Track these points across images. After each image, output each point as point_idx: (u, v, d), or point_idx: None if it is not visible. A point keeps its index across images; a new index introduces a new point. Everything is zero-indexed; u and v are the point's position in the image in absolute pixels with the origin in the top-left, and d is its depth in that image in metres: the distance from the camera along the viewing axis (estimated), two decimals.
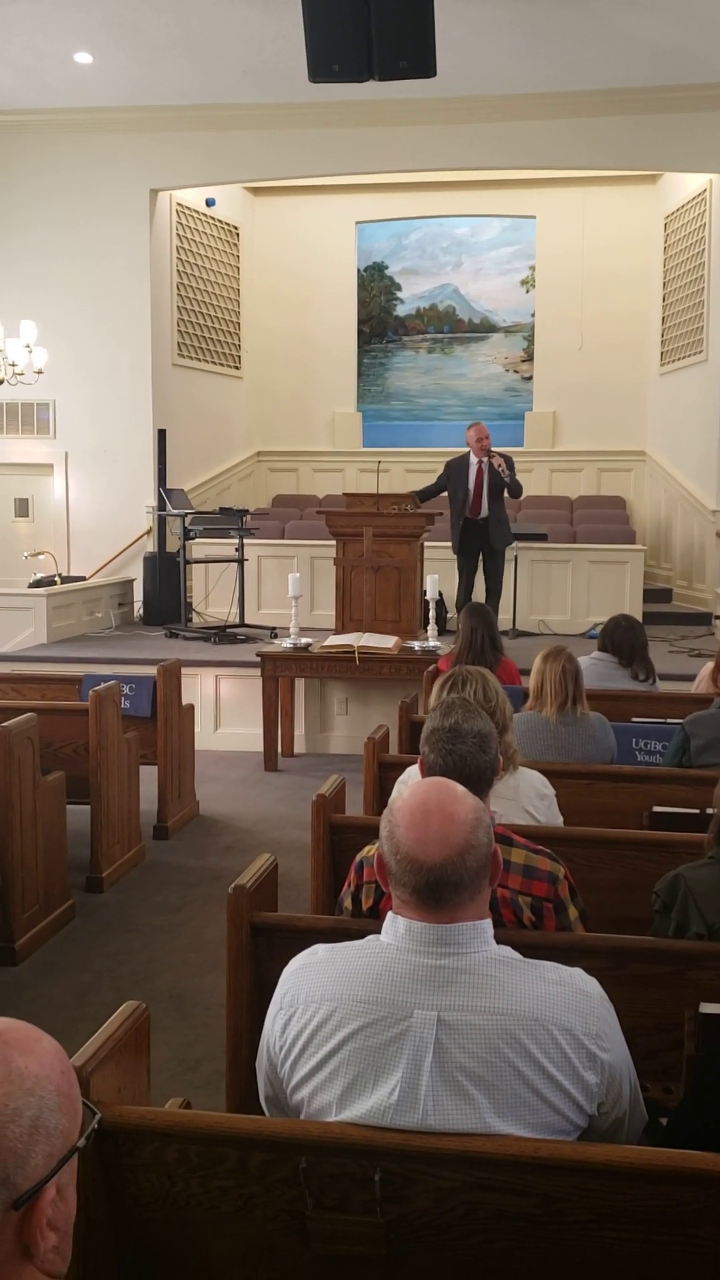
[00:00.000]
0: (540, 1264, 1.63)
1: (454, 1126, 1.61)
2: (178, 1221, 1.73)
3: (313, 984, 1.75)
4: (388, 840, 1.74)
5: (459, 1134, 1.61)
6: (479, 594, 8.63)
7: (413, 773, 3.30)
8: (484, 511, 8.61)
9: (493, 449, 8.64)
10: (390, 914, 1.75)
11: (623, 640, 5.15)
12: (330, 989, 1.72)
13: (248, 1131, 1.68)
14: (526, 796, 3.10)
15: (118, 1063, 1.77)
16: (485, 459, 8.55)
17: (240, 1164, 1.68)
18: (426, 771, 2.42)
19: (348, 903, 2.50)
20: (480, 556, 8.74)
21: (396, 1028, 1.65)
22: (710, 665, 5.29)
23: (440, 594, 7.58)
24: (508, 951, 1.73)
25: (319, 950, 1.81)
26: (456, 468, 8.71)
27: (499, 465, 8.44)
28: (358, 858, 2.51)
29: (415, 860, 1.68)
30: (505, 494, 8.63)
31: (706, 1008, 2.23)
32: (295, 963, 1.82)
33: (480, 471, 8.63)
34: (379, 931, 1.79)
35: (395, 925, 1.73)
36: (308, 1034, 1.71)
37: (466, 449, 8.70)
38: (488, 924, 1.73)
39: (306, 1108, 1.72)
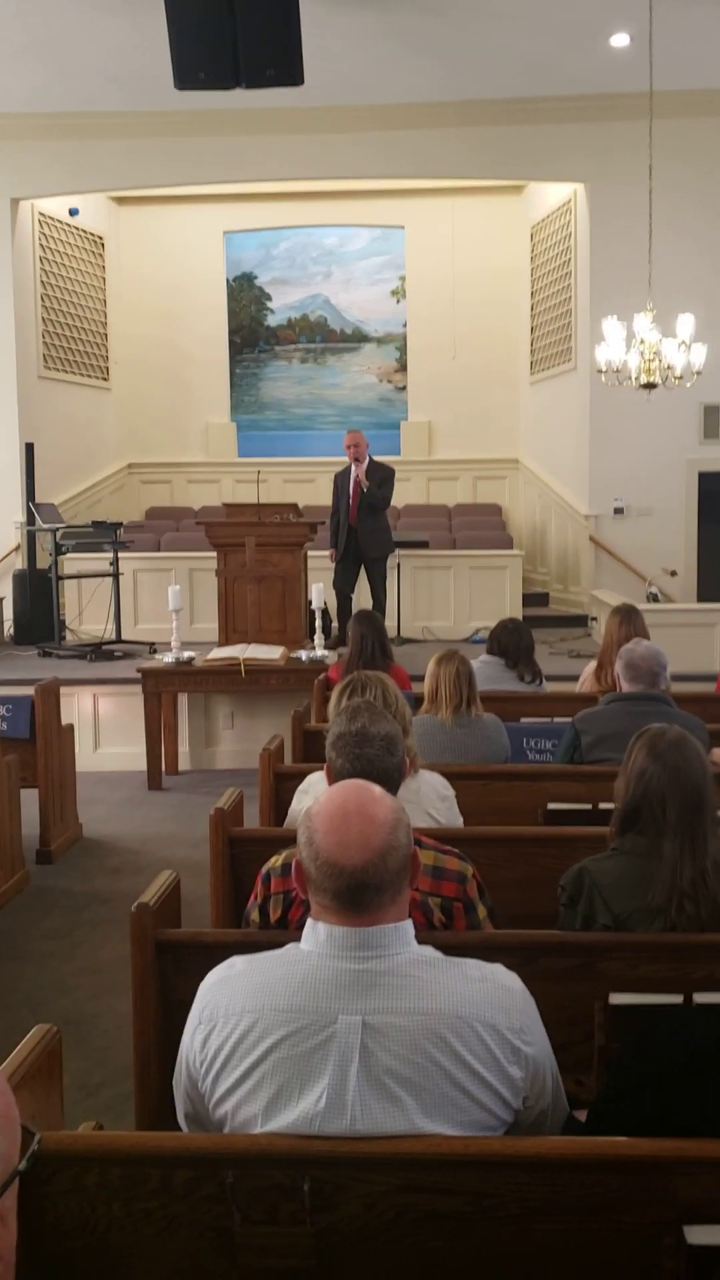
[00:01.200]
0: (473, 1262, 1.62)
1: (383, 1130, 1.59)
2: (99, 1248, 1.67)
3: (232, 996, 1.71)
4: (306, 846, 1.71)
5: (388, 1136, 1.59)
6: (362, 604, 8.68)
7: (313, 781, 3.28)
8: (355, 522, 8.70)
9: (374, 457, 8.74)
10: (310, 920, 1.73)
11: (509, 642, 5.24)
12: (251, 1000, 1.68)
13: (172, 1149, 1.63)
14: (428, 798, 3.11)
15: (30, 1090, 1.71)
16: (354, 468, 8.72)
17: (164, 1183, 1.63)
18: (334, 777, 2.40)
19: (255, 915, 2.46)
20: (360, 566, 8.82)
21: (321, 1034, 1.63)
22: (593, 664, 5.42)
23: (325, 603, 7.58)
24: (430, 951, 1.72)
25: (237, 962, 1.78)
26: (341, 477, 8.89)
27: (359, 476, 8.67)
28: (264, 869, 2.48)
29: (335, 864, 1.66)
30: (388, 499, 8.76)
31: (616, 998, 2.27)
32: (213, 976, 1.78)
33: (357, 480, 8.71)
34: (288, 942, 1.77)
35: (316, 931, 1.70)
36: (229, 1047, 1.68)
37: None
38: (408, 925, 1.72)
39: (230, 1122, 1.68)
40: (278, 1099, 1.63)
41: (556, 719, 4.79)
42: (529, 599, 10.65)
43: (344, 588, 8.89)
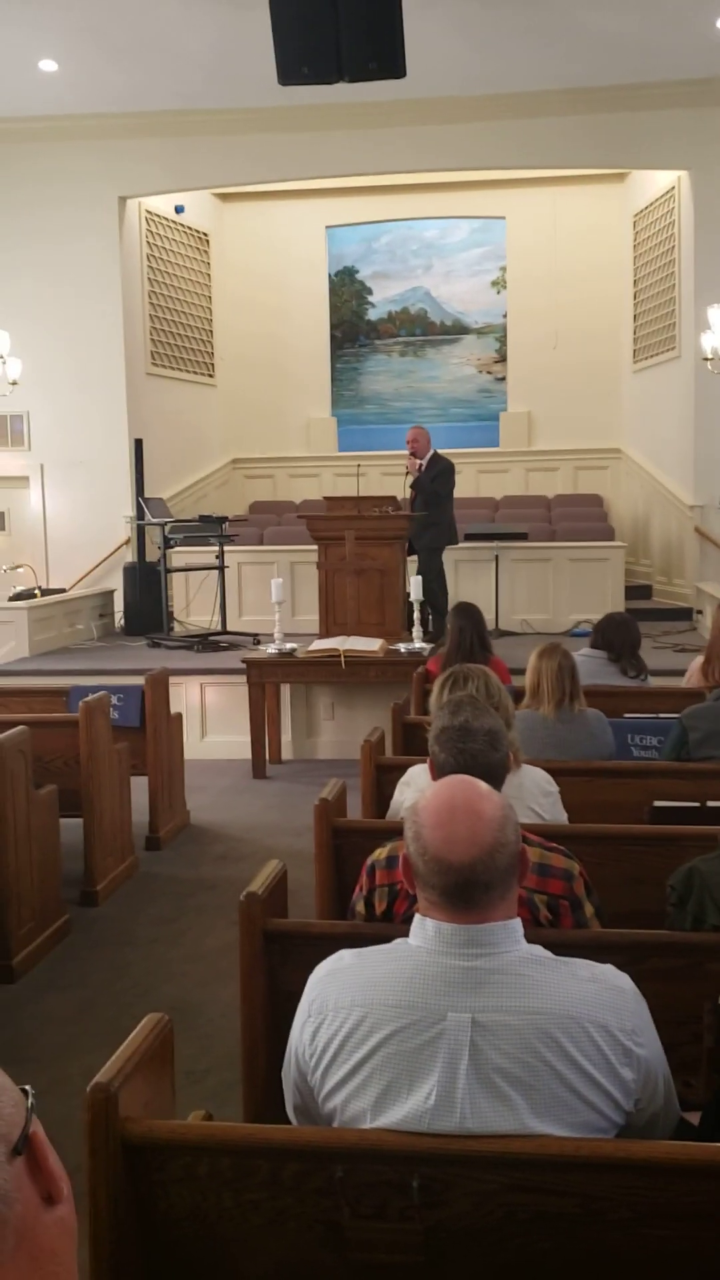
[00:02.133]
0: (581, 1265, 1.61)
1: (492, 1129, 1.59)
2: (209, 1238, 1.70)
3: (341, 990, 1.72)
4: (414, 841, 1.71)
5: (498, 1135, 1.59)
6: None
7: (414, 774, 3.28)
8: (416, 511, 8.80)
9: (437, 451, 9.00)
10: (418, 916, 1.73)
11: (616, 637, 5.17)
12: (360, 994, 1.69)
13: (281, 1142, 1.65)
14: (531, 794, 3.08)
15: (144, 1077, 1.73)
16: (409, 463, 8.94)
17: (273, 1175, 1.65)
18: (437, 771, 2.39)
19: (361, 907, 2.47)
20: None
21: (430, 1031, 1.63)
22: (700, 659, 5.31)
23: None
24: (539, 950, 1.71)
25: (345, 956, 1.78)
26: (406, 473, 9.13)
27: (411, 470, 8.89)
28: (368, 861, 2.49)
29: (443, 860, 1.66)
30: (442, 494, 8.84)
31: None
32: (322, 968, 1.79)
33: (411, 473, 8.96)
34: (393, 936, 1.77)
35: (424, 927, 1.70)
36: (339, 1041, 1.69)
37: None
38: (518, 923, 1.71)
39: (340, 1116, 1.69)
40: (387, 1095, 1.63)
41: (662, 714, 4.72)
42: (631, 591, 10.48)
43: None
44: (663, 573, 11.30)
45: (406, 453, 9.14)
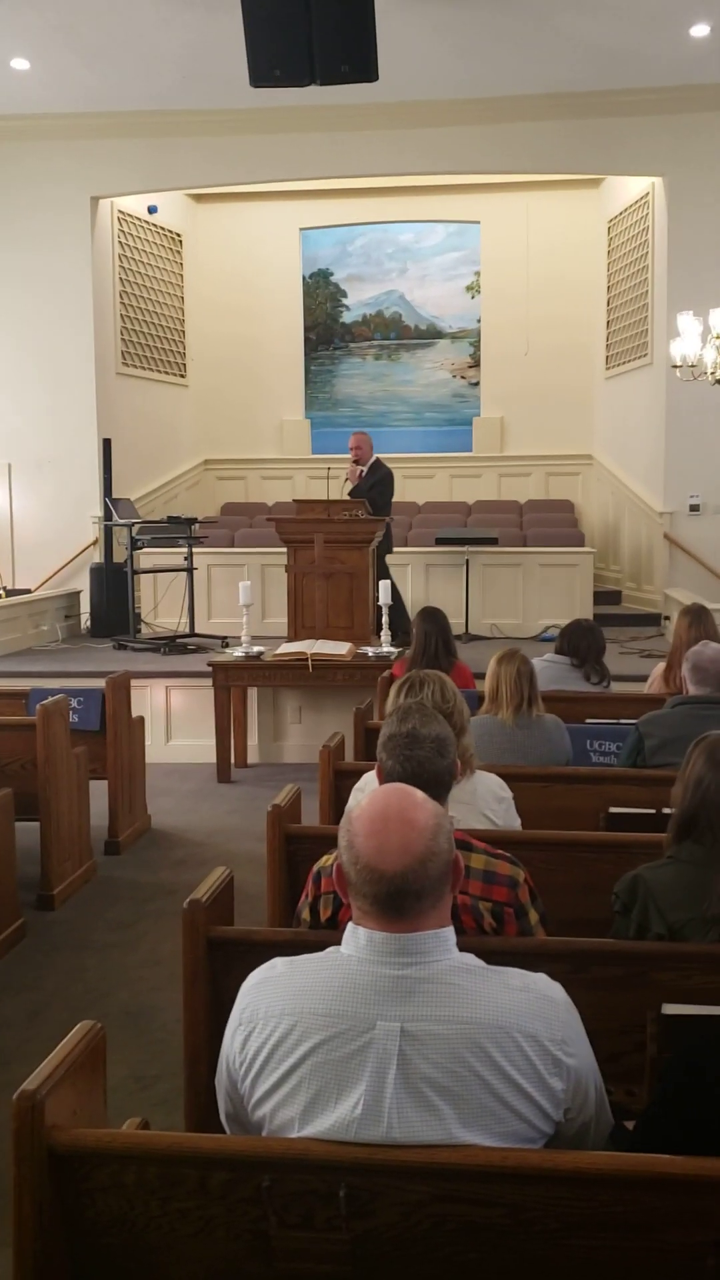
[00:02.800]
0: (510, 1275, 1.60)
1: (419, 1138, 1.58)
2: (137, 1246, 1.69)
3: (272, 998, 1.71)
4: (346, 850, 1.70)
5: (424, 1145, 1.58)
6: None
7: (370, 780, 3.26)
8: None
9: (379, 457, 9.05)
10: (350, 925, 1.72)
11: (581, 643, 5.18)
12: (290, 1003, 1.68)
13: (209, 1150, 1.64)
14: (484, 800, 3.08)
15: (73, 1085, 1.72)
16: (350, 470, 9.01)
17: (201, 1184, 1.63)
18: (384, 778, 2.39)
19: (305, 914, 2.46)
20: None
21: (359, 1040, 1.62)
22: (662, 665, 5.33)
23: (393, 599, 7.57)
24: (470, 959, 1.70)
25: (278, 964, 1.77)
26: (345, 478, 9.17)
27: (351, 477, 8.92)
28: (315, 868, 2.48)
29: (375, 869, 1.65)
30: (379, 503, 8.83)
31: (669, 1009, 2.22)
32: (254, 977, 1.78)
33: (351, 480, 9.01)
34: (339, 943, 1.76)
35: (356, 936, 1.69)
36: (268, 1049, 1.67)
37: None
38: (449, 932, 1.70)
39: (269, 1124, 1.68)
40: (315, 1104, 1.62)
41: (623, 720, 4.72)
42: (600, 597, 10.53)
43: None
44: (632, 578, 11.35)
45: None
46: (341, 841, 1.72)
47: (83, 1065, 1.77)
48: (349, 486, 9.06)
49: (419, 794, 1.75)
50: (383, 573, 8.60)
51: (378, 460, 9.09)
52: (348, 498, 8.88)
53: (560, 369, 12.43)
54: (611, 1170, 1.55)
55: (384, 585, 7.49)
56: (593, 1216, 1.56)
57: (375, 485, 8.89)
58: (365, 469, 8.97)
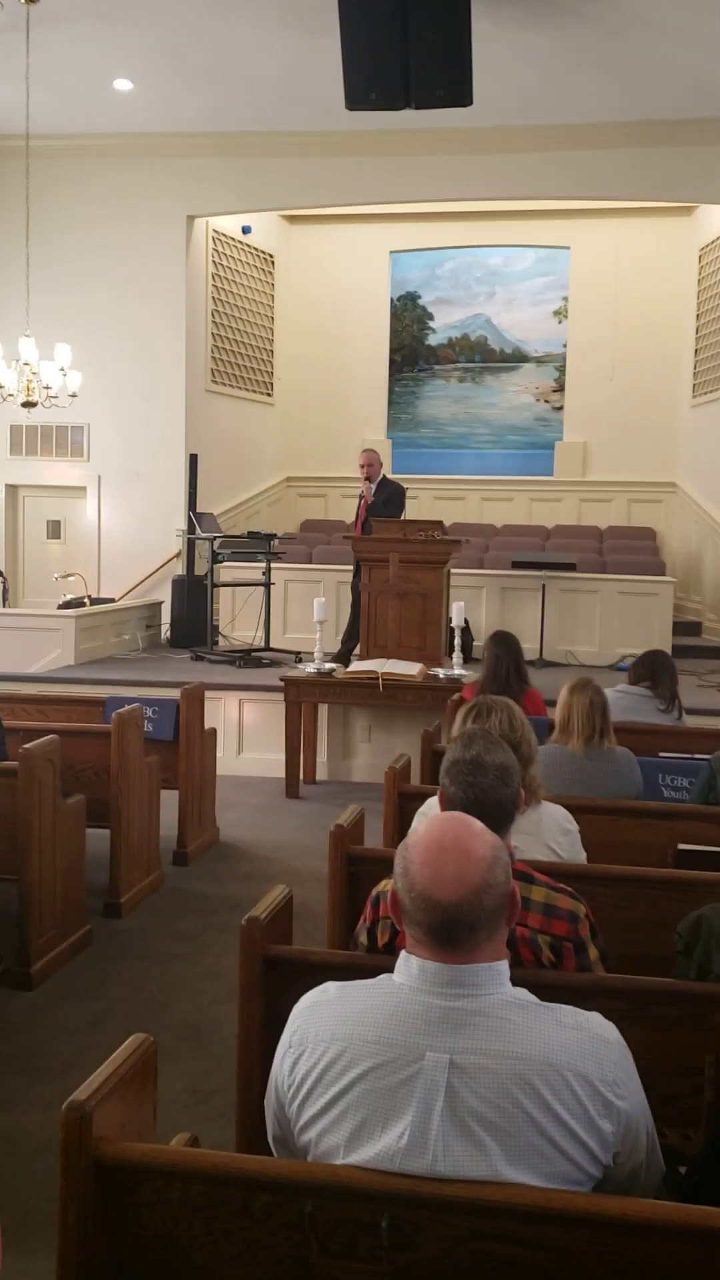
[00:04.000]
0: None
1: (464, 1173, 1.56)
2: (179, 1263, 1.69)
3: (323, 1023, 1.70)
4: (401, 877, 1.70)
5: (469, 1181, 1.56)
6: None
7: (433, 804, 3.24)
8: (361, 535, 8.76)
9: (388, 476, 8.99)
10: (404, 953, 1.71)
11: (658, 666, 5.11)
12: (340, 1028, 1.68)
13: (253, 1173, 1.64)
14: (549, 832, 3.05)
15: (122, 1098, 1.73)
16: (363, 485, 8.93)
17: (244, 1206, 1.63)
18: (446, 804, 2.38)
19: (363, 938, 2.45)
20: None
21: (407, 1070, 1.61)
22: None
23: (466, 621, 7.54)
24: (524, 994, 1.68)
25: (330, 988, 1.77)
26: (360, 495, 9.09)
27: (365, 494, 8.86)
28: (374, 892, 2.47)
29: (429, 898, 1.64)
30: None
31: None
32: (306, 1000, 1.78)
33: (365, 498, 8.87)
34: (393, 969, 1.75)
35: (409, 965, 1.68)
36: (316, 1074, 1.67)
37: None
38: (504, 965, 1.68)
39: (314, 1149, 1.68)
40: (360, 1131, 1.62)
41: (697, 755, 4.65)
42: (680, 628, 10.37)
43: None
44: (713, 610, 11.17)
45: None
46: (397, 868, 1.72)
47: (133, 1078, 1.78)
48: (363, 503, 8.96)
49: (477, 824, 1.74)
50: None
51: (385, 477, 9.07)
52: (363, 514, 8.82)
53: (645, 395, 12.32)
54: (659, 1219, 1.52)
55: (456, 607, 7.47)
56: (638, 1265, 1.53)
57: (389, 500, 8.87)
58: (375, 485, 8.91)
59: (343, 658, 8.41)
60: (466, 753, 2.38)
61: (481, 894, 1.64)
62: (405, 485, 9.34)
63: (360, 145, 10.27)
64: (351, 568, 8.75)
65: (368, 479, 8.94)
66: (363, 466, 8.97)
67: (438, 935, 1.64)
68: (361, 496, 9.03)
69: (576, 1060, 1.60)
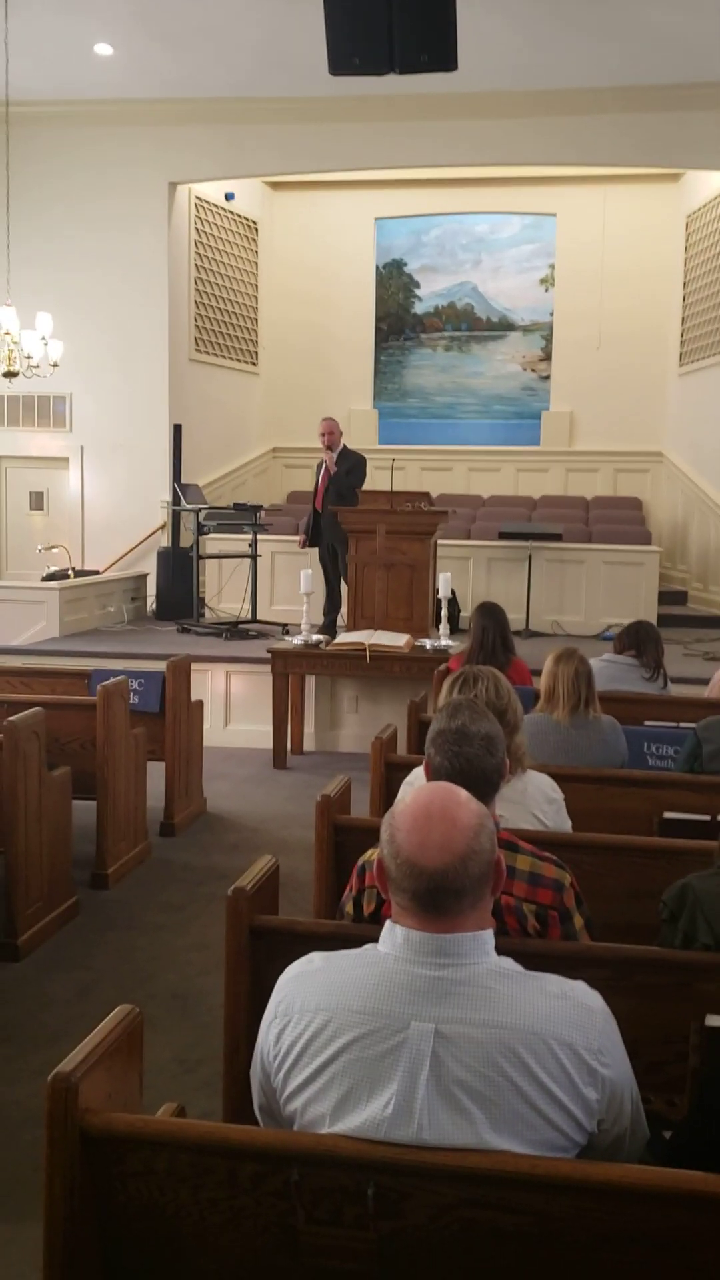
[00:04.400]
0: None
1: (449, 1141, 1.57)
2: (166, 1232, 1.70)
3: (308, 993, 1.70)
4: (388, 844, 1.69)
5: (455, 1149, 1.57)
6: None
7: (419, 774, 3.24)
8: (321, 507, 8.75)
9: (347, 446, 8.93)
10: (389, 922, 1.71)
11: (643, 636, 5.13)
12: (326, 999, 1.68)
13: (239, 1142, 1.64)
14: (534, 800, 3.05)
15: (108, 1069, 1.73)
16: (324, 455, 8.86)
17: (231, 1175, 1.64)
18: (431, 774, 2.37)
19: (349, 908, 2.45)
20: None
21: (392, 1039, 1.61)
22: None
23: (453, 592, 7.54)
24: (508, 963, 1.68)
25: (315, 958, 1.77)
26: (320, 465, 9.05)
27: (328, 462, 8.78)
28: (360, 861, 2.47)
29: (415, 865, 1.64)
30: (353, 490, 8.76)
31: (712, 1020, 2.18)
32: (291, 970, 1.78)
33: (326, 467, 8.81)
34: (379, 938, 1.75)
35: (393, 934, 1.68)
36: (302, 1044, 1.67)
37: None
38: (489, 934, 1.68)
39: (300, 1119, 1.68)
40: (346, 1101, 1.62)
41: (682, 724, 4.66)
42: (666, 597, 10.38)
43: (327, 581, 8.94)
44: (699, 579, 11.19)
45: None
46: (384, 836, 1.72)
47: (119, 1049, 1.78)
48: (323, 473, 8.90)
49: (463, 792, 1.74)
50: (342, 570, 8.50)
51: (346, 447, 8.98)
52: (331, 478, 8.75)
53: (632, 364, 12.28)
54: (644, 1184, 1.53)
55: (443, 578, 7.46)
56: (623, 1230, 1.54)
57: (351, 470, 8.81)
58: (336, 455, 8.83)
59: (328, 629, 8.39)
60: (452, 722, 2.38)
61: (467, 861, 1.64)
62: (393, 455, 9.29)
63: (344, 111, 10.15)
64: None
65: (329, 448, 8.86)
66: (323, 435, 8.89)
67: (423, 902, 1.64)
68: (323, 466, 8.94)
69: (561, 1029, 1.61)
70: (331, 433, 8.89)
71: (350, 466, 8.84)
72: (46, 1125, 1.65)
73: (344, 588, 8.57)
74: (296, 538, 9.27)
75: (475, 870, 1.65)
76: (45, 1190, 1.66)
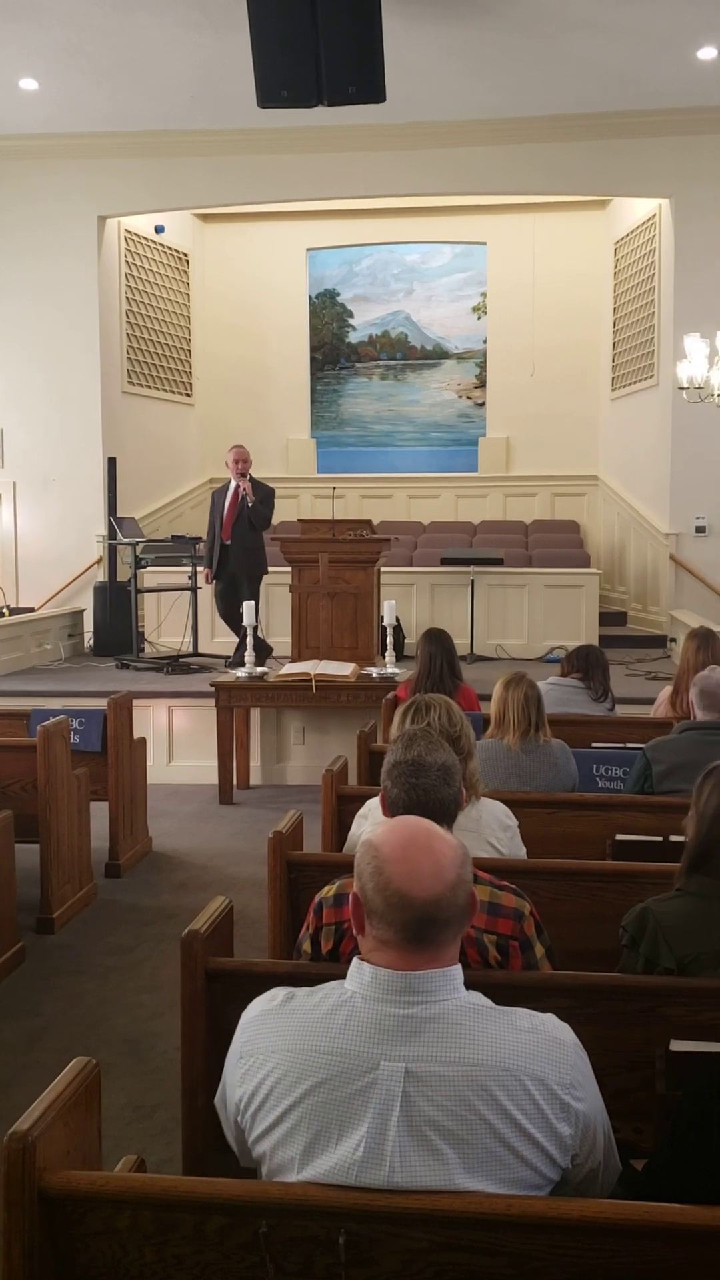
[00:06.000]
0: None
1: (422, 1183, 1.53)
2: None
3: (272, 1033, 1.66)
4: (373, 876, 1.65)
5: (427, 1191, 1.53)
6: None
7: (373, 805, 3.22)
8: (230, 538, 8.70)
9: (253, 477, 8.81)
10: (357, 960, 1.67)
11: (590, 659, 5.17)
12: (291, 1039, 1.63)
13: (205, 1195, 1.59)
14: (489, 828, 3.03)
15: (66, 1124, 1.67)
16: (239, 482, 8.75)
17: (197, 1230, 1.59)
18: (389, 806, 2.35)
19: (307, 946, 2.41)
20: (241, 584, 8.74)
21: (361, 1080, 1.57)
22: (668, 689, 5.29)
23: (398, 619, 7.52)
24: (478, 998, 1.65)
25: (278, 995, 1.73)
26: (218, 494, 8.97)
27: (246, 490, 8.68)
28: (316, 899, 2.42)
29: (406, 895, 1.61)
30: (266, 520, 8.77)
31: (677, 1045, 2.17)
32: (254, 1008, 1.74)
33: (235, 495, 8.77)
34: (340, 976, 1.71)
35: (361, 972, 1.65)
36: (268, 1087, 1.63)
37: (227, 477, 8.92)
38: (457, 970, 1.66)
39: (268, 1162, 1.64)
40: (315, 1144, 1.58)
41: (629, 745, 4.68)
42: (606, 618, 10.48)
43: (231, 616, 8.71)
44: (638, 600, 11.31)
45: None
46: (365, 868, 1.67)
47: (77, 1104, 1.72)
48: (251, 501, 8.76)
49: (437, 826, 1.73)
50: (255, 596, 8.40)
51: (253, 477, 8.89)
52: (246, 508, 8.68)
53: (566, 390, 12.42)
54: (619, 1219, 1.50)
55: (388, 605, 7.45)
56: (600, 1267, 1.51)
57: (265, 500, 8.78)
58: (248, 484, 8.76)
59: (237, 664, 7.96)
60: (408, 754, 2.36)
61: (456, 890, 1.64)
62: (333, 484, 9.28)
63: (273, 143, 10.20)
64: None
65: (242, 474, 8.76)
66: (238, 462, 8.75)
67: (411, 933, 1.61)
68: (238, 491, 8.77)
69: (533, 1064, 1.58)
70: (246, 459, 8.82)
71: (264, 496, 8.80)
72: (3, 1187, 1.59)
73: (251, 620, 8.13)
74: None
75: (462, 899, 1.66)
76: (2, 1254, 1.59)
